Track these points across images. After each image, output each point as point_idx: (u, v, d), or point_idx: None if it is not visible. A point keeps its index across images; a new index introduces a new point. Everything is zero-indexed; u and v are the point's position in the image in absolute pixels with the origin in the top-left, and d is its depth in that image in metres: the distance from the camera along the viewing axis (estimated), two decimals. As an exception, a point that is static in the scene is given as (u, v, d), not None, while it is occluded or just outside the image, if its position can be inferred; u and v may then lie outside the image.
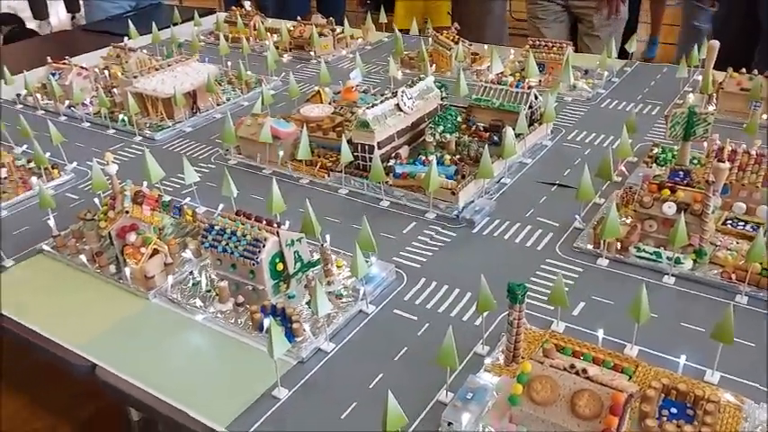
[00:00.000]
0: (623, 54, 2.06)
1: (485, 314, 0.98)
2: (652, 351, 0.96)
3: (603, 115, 1.74)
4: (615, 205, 1.13)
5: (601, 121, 1.70)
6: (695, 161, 1.39)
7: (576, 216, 1.28)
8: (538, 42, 1.93)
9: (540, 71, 1.88)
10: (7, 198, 1.48)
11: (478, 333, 1.00)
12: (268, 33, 2.42)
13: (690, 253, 1.12)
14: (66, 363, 1.03)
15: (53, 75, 1.95)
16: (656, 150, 1.48)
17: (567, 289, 1.00)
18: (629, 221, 1.21)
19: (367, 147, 1.42)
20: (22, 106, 2.03)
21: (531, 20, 2.94)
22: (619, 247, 1.17)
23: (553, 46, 1.90)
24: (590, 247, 1.19)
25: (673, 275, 1.11)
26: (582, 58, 2.09)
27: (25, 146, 1.68)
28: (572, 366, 0.78)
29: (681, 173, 1.28)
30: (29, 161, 1.58)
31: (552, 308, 1.03)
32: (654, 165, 1.44)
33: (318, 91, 1.75)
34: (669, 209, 1.11)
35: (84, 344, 1.05)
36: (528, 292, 0.90)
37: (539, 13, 2.88)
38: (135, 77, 1.80)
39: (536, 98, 1.56)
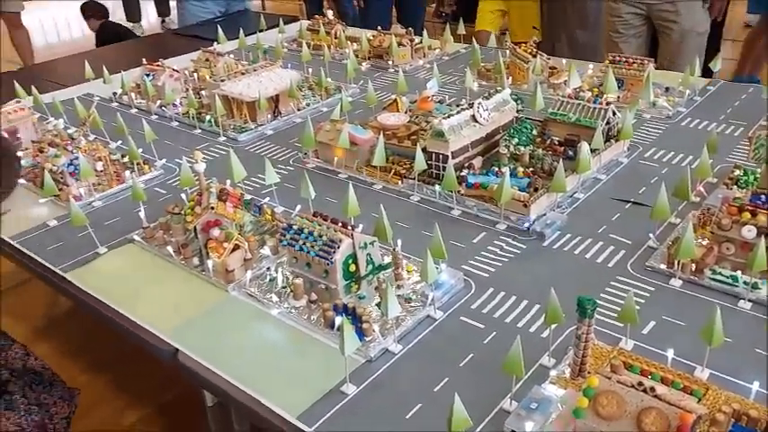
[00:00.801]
0: (706, 73, 2.01)
1: (552, 327, 0.98)
2: (723, 375, 0.95)
3: (683, 134, 1.71)
4: (692, 225, 1.11)
5: (680, 140, 1.66)
6: (779, 185, 1.35)
7: (651, 235, 1.26)
8: (617, 58, 1.91)
9: (619, 87, 1.86)
10: (102, 190, 1.58)
11: (545, 345, 1.01)
12: (348, 42, 2.49)
13: (768, 279, 1.09)
14: (152, 347, 1.10)
15: (147, 76, 2.07)
16: (737, 172, 1.44)
17: (637, 307, 0.99)
18: (705, 243, 1.18)
19: (441, 156, 1.45)
20: (117, 104, 2.17)
21: (610, 34, 2.90)
22: (693, 269, 1.15)
23: (633, 62, 1.88)
24: (663, 266, 1.18)
25: (749, 300, 1.09)
26: (663, 76, 2.05)
27: (120, 141, 1.80)
28: (640, 384, 0.78)
29: (762, 196, 1.24)
30: (123, 156, 1.69)
31: (621, 325, 1.03)
32: (734, 187, 1.40)
33: (395, 99, 1.79)
34: (749, 232, 1.09)
35: (169, 330, 1.12)
36: (597, 309, 0.90)
37: (619, 28, 2.84)
38: (222, 81, 1.89)
39: (614, 114, 1.55)
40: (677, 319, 1.07)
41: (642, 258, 1.22)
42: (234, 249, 1.23)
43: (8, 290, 2.68)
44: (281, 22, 2.74)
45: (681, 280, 1.15)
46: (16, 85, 2.03)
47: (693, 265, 1.15)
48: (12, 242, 1.43)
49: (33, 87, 2.01)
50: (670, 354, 0.95)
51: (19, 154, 1.55)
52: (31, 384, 1.38)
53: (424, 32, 2.44)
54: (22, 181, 1.66)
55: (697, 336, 0.92)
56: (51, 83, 2.41)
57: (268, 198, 1.48)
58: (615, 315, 1.04)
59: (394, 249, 1.18)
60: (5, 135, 1.66)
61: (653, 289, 1.14)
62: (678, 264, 1.15)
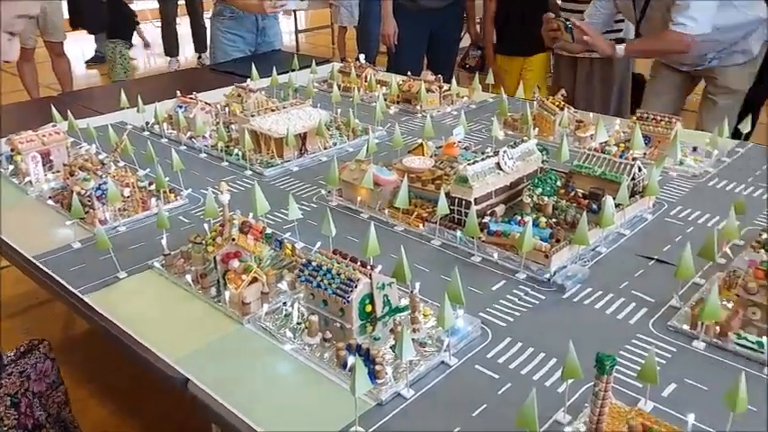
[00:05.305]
0: (736, 135, 2.00)
1: (569, 382, 0.96)
2: (746, 445, 0.91)
3: (710, 194, 1.69)
4: (717, 287, 1.09)
5: (707, 200, 1.65)
6: (808, 251, 1.32)
7: (674, 294, 1.24)
8: (645, 115, 1.91)
9: (646, 144, 1.86)
10: (127, 215, 1.61)
11: (561, 400, 0.98)
12: (378, 85, 2.53)
13: (796, 347, 1.06)
14: (163, 374, 1.10)
15: (180, 107, 2.12)
16: (765, 236, 1.41)
17: (658, 368, 0.97)
18: (730, 306, 1.16)
19: (464, 201, 1.45)
20: (149, 133, 2.22)
21: (648, 90, 2.89)
22: (718, 332, 1.12)
23: (661, 119, 1.88)
24: (686, 327, 1.15)
25: (775, 368, 1.05)
26: (690, 135, 2.05)
27: (148, 169, 1.83)
28: (658, 446, 0.75)
29: (791, 262, 1.22)
30: (150, 184, 1.71)
31: (641, 386, 1.00)
32: (762, 251, 1.37)
33: (421, 144, 1.80)
34: (776, 298, 1.06)
35: (180, 358, 1.12)
36: (616, 366, 0.88)
37: (657, 86, 2.83)
38: (252, 116, 1.93)
39: (639, 170, 1.54)
40: (699, 383, 1.04)
41: (664, 318, 1.19)
42: (252, 282, 1.23)
43: (31, 307, 2.71)
44: (314, 62, 2.80)
45: (704, 342, 1.12)
46: (53, 109, 2.09)
47: (717, 328, 1.12)
48: (35, 261, 1.44)
49: (69, 112, 2.06)
50: (690, 419, 0.92)
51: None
52: None
53: (453, 80, 2.47)
54: (50, 202, 1.69)
55: (719, 402, 0.89)
56: (87, 109, 2.48)
57: (289, 233, 1.48)
58: (634, 374, 1.01)
59: (412, 292, 1.17)
60: None
61: (675, 350, 1.11)
62: (702, 326, 1.12)
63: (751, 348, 1.08)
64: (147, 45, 5.62)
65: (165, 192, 1.67)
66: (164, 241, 1.40)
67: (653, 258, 1.39)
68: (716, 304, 1.07)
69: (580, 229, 1.32)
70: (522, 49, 3.54)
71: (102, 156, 1.86)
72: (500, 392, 1.03)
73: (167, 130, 2.17)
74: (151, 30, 7.89)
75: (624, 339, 1.14)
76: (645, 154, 1.84)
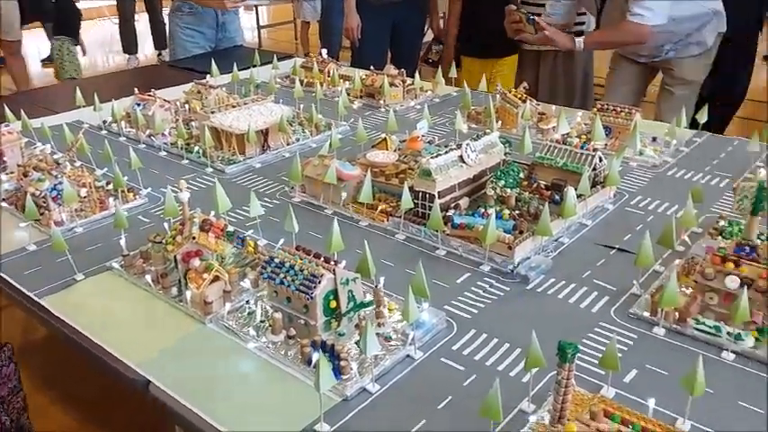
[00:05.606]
0: (694, 125, 2.04)
1: (533, 371, 0.97)
2: (705, 428, 0.93)
3: (669, 183, 1.72)
4: (676, 274, 1.11)
5: (666, 189, 1.68)
6: (763, 237, 1.35)
7: (634, 282, 1.26)
8: (606, 106, 1.93)
9: (607, 135, 1.88)
10: (84, 216, 1.56)
11: (525, 390, 0.99)
12: (341, 80, 2.51)
13: (752, 330, 1.09)
14: (123, 376, 1.07)
15: (138, 105, 2.07)
16: (722, 223, 1.45)
17: (619, 355, 0.98)
18: (689, 292, 1.18)
19: (428, 195, 1.45)
20: (106, 132, 2.16)
21: (608, 82, 2.92)
22: (677, 318, 1.14)
23: (621, 111, 1.91)
24: (646, 314, 1.17)
25: (732, 352, 1.08)
26: (650, 126, 2.08)
27: (105, 169, 1.79)
28: (619, 432, 0.76)
29: (746, 248, 1.24)
30: (108, 183, 1.67)
31: (603, 373, 1.01)
32: (719, 237, 1.40)
33: (385, 138, 1.79)
34: (732, 283, 1.09)
35: (141, 360, 1.09)
36: (579, 354, 0.89)
37: (616, 78, 2.87)
38: (212, 112, 1.90)
39: (600, 161, 1.56)
40: (659, 368, 1.05)
41: (626, 305, 1.21)
42: (213, 281, 1.21)
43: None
44: (275, 58, 2.77)
45: (664, 329, 1.14)
46: (6, 108, 2.02)
47: (677, 313, 1.14)
48: (-12, 265, 1.40)
49: (23, 112, 2.00)
50: (651, 403, 0.93)
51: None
52: None
53: (416, 74, 2.47)
54: (4, 204, 1.64)
55: (679, 386, 0.91)
56: (42, 108, 2.41)
57: (252, 231, 1.46)
58: (597, 362, 1.02)
59: (376, 287, 1.17)
60: None
61: (636, 337, 1.13)
62: (661, 312, 1.14)
63: (709, 333, 1.11)
64: (84, 52, 5.46)
65: (123, 191, 1.63)
66: (122, 242, 1.36)
67: (614, 247, 1.41)
68: (674, 291, 1.09)
69: (543, 221, 1.33)
70: (493, 51, 3.38)
71: (58, 156, 1.81)
72: (465, 384, 1.03)
73: (125, 129, 2.13)
74: (109, 27, 7.73)
75: (587, 328, 1.16)
76: (606, 145, 1.87)
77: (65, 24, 5.33)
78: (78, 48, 5.33)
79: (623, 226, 1.50)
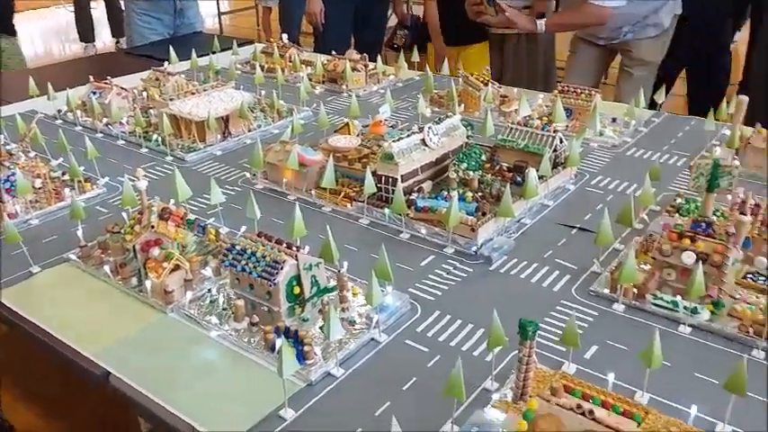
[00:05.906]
0: (652, 105, 2.08)
1: (496, 350, 0.98)
2: (663, 400, 0.95)
3: (628, 163, 1.75)
4: (634, 251, 1.13)
5: (625, 169, 1.70)
6: (718, 213, 1.38)
7: (595, 260, 1.28)
8: (566, 88, 1.95)
9: (568, 116, 1.90)
10: (40, 207, 1.52)
11: (489, 369, 1.00)
12: (303, 65, 2.48)
13: (708, 304, 1.11)
14: (82, 369, 1.05)
15: (94, 93, 2.02)
16: (679, 200, 1.48)
17: (580, 332, 1.00)
18: (647, 268, 1.20)
19: (390, 179, 1.45)
20: (61, 122, 2.11)
21: (568, 64, 2.95)
22: (636, 294, 1.16)
23: (581, 92, 1.92)
24: (606, 291, 1.19)
25: (689, 325, 1.10)
26: (609, 107, 2.11)
27: (61, 159, 1.74)
28: (578, 407, 0.78)
29: (703, 224, 1.27)
30: (63, 173, 1.63)
31: (564, 349, 1.03)
32: (676, 215, 1.43)
33: (347, 123, 1.78)
34: (688, 258, 1.11)
35: (100, 352, 1.07)
36: (541, 332, 0.90)
37: (576, 61, 2.90)
38: (171, 100, 1.86)
39: (561, 142, 1.58)
40: (619, 344, 1.07)
41: (586, 283, 1.23)
42: (174, 270, 1.19)
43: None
44: (235, 44, 2.73)
45: (623, 305, 1.16)
46: (-46, 98, 1.96)
47: (636, 290, 1.16)
48: (-62, 260, 1.36)
49: (-28, 102, 1.94)
50: (611, 378, 0.95)
51: None
52: None
53: (379, 59, 2.46)
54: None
55: (638, 360, 0.93)
56: (-6, 98, 2.33)
57: (213, 219, 1.44)
58: (559, 339, 1.04)
59: (339, 271, 1.16)
60: None
61: (596, 313, 1.15)
62: (621, 289, 1.16)
63: (667, 308, 1.13)
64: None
65: (79, 181, 1.59)
66: (79, 232, 1.33)
67: (575, 227, 1.43)
68: (633, 267, 1.11)
69: (504, 202, 1.34)
70: (460, 37, 3.37)
71: (11, 146, 1.75)
72: (429, 365, 1.04)
73: (81, 118, 2.07)
74: (64, 15, 7.51)
75: (549, 306, 1.17)
76: (567, 126, 1.88)
77: None
78: (17, 38, 5.07)
79: (584, 206, 1.52)
